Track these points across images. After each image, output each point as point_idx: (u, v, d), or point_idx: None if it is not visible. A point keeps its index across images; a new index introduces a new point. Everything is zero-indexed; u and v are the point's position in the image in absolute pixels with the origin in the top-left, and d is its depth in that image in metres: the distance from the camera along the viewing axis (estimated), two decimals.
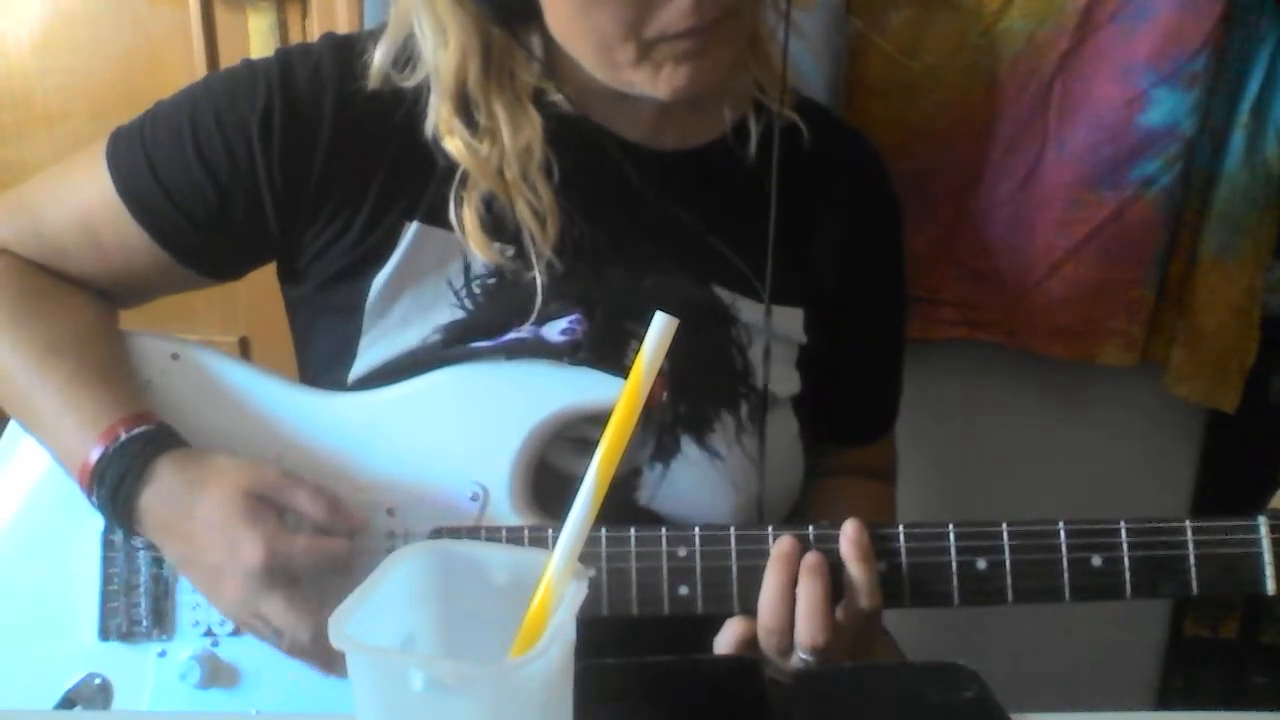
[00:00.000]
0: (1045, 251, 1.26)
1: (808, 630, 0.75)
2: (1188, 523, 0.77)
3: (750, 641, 0.79)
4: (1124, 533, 0.77)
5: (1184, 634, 1.51)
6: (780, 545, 0.77)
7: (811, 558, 0.77)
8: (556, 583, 0.53)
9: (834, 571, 0.77)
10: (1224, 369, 1.29)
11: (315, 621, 0.75)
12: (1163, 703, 1.53)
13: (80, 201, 0.87)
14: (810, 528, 0.78)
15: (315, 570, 0.76)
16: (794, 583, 0.77)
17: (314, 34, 1.40)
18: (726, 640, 0.80)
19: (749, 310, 0.89)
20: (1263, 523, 0.77)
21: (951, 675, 0.71)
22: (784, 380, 0.90)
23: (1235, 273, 1.26)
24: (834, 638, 0.76)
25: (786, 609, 0.76)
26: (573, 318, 0.86)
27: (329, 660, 0.77)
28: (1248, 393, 1.30)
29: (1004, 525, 0.78)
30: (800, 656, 0.77)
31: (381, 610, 0.53)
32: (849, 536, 0.77)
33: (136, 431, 0.79)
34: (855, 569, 0.77)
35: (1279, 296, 1.31)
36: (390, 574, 0.54)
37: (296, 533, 0.76)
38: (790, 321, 0.91)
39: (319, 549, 0.76)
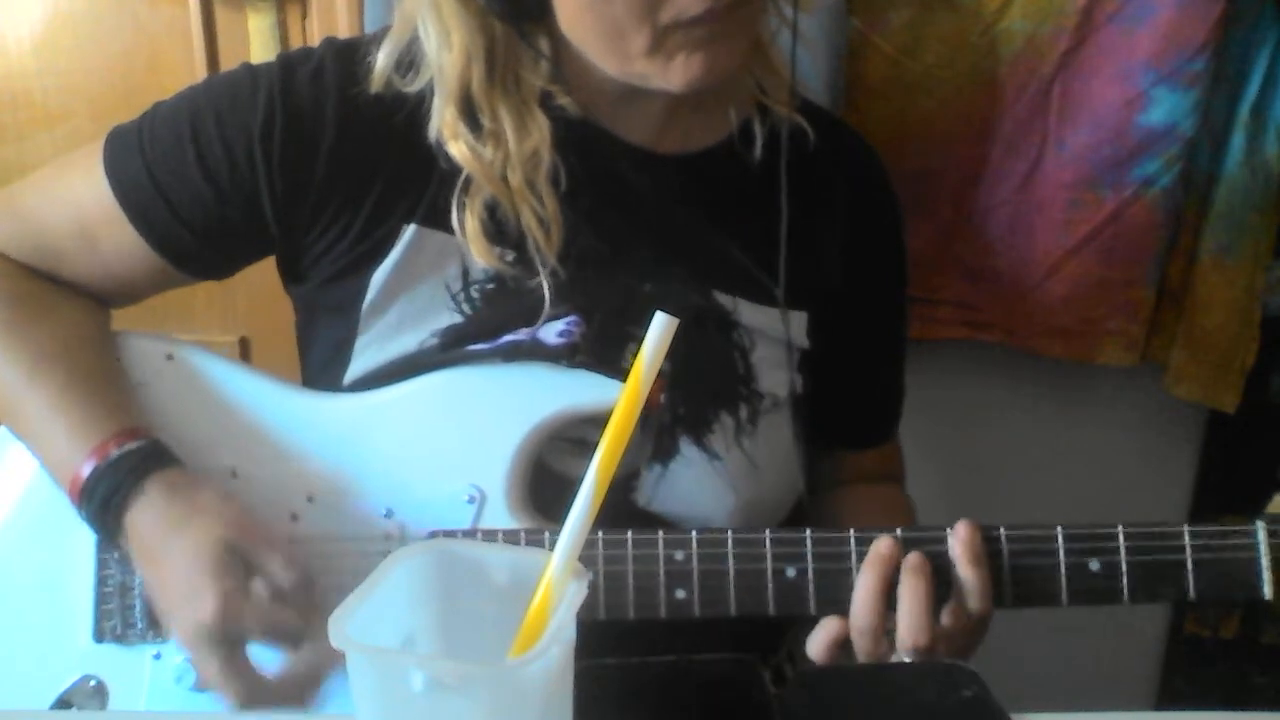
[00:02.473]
0: (1045, 251, 1.26)
1: (911, 631, 0.75)
2: (1185, 528, 0.77)
3: (844, 642, 0.79)
4: (1122, 538, 0.77)
5: (1184, 634, 1.51)
6: (879, 546, 0.77)
7: (915, 558, 0.77)
8: (556, 583, 0.53)
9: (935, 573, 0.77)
10: (1224, 369, 1.29)
11: (244, 688, 0.74)
12: (1163, 703, 1.53)
13: (76, 206, 0.87)
14: (899, 530, 0.78)
15: (262, 639, 0.75)
16: (890, 584, 0.77)
17: (314, 35, 1.40)
18: (820, 640, 0.80)
19: (750, 313, 0.89)
20: (1260, 528, 0.77)
21: (951, 675, 0.71)
22: (784, 383, 0.90)
23: (1235, 273, 1.26)
24: (937, 640, 0.76)
25: (880, 610, 0.76)
26: (570, 320, 0.85)
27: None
28: (1248, 393, 1.31)
29: (1002, 530, 0.78)
30: (901, 658, 0.76)
31: (381, 610, 0.53)
32: (961, 538, 0.77)
33: (129, 448, 0.79)
34: (967, 571, 0.76)
35: (1279, 297, 1.31)
36: (390, 574, 0.54)
37: (258, 596, 0.75)
38: (794, 325, 0.91)
39: (271, 620, 0.75)
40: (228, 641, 0.74)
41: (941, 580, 0.77)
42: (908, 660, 0.76)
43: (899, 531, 0.78)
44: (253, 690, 0.75)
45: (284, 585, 0.76)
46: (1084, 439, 1.41)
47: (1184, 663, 1.51)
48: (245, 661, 0.75)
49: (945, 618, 0.77)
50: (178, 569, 0.75)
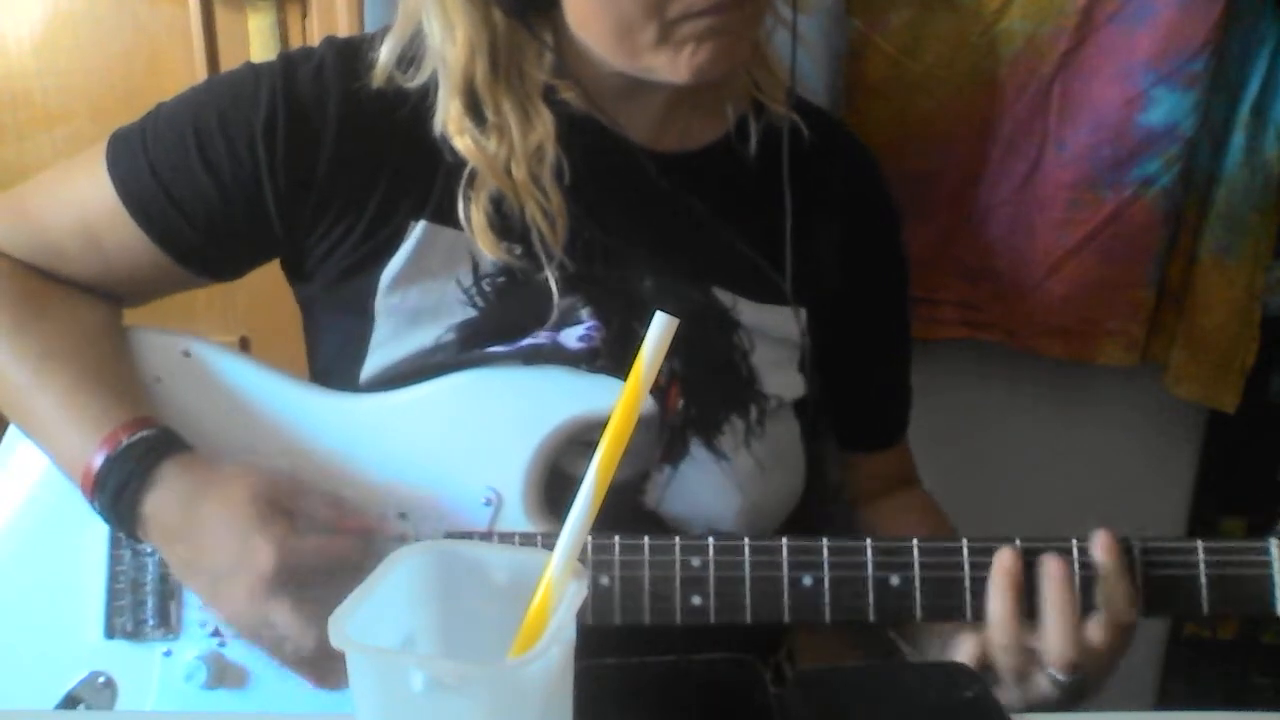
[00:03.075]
0: (1045, 251, 1.26)
1: (1061, 645, 0.74)
2: (1199, 543, 0.77)
3: (986, 659, 0.78)
4: (1136, 552, 0.77)
5: (1184, 634, 1.51)
6: (1003, 560, 0.76)
7: (1056, 568, 0.75)
8: (556, 583, 0.53)
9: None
10: (1224, 369, 1.29)
11: (320, 629, 0.73)
12: (1163, 703, 1.53)
13: (80, 205, 0.87)
14: (1017, 540, 0.77)
15: (327, 573, 0.74)
16: (1021, 596, 0.76)
17: (314, 34, 1.40)
18: (962, 658, 0.79)
19: (749, 312, 0.89)
20: (1273, 544, 0.77)
21: (951, 675, 0.71)
22: (787, 385, 0.90)
23: (1235, 273, 1.26)
24: (1089, 652, 0.75)
25: (1017, 624, 0.75)
26: (590, 325, 0.86)
27: (327, 671, 0.76)
28: (1248, 393, 1.31)
29: (1017, 540, 0.77)
30: (1051, 674, 0.75)
31: (381, 610, 0.53)
32: (1105, 547, 0.76)
33: (138, 436, 0.78)
34: (1115, 578, 0.75)
35: (1279, 297, 1.31)
36: (390, 574, 0.54)
37: (309, 534, 0.75)
38: (791, 322, 0.91)
39: (331, 551, 0.74)
40: (292, 585, 0.73)
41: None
42: (1059, 677, 0.75)
43: (1018, 542, 0.77)
44: (323, 634, 0.74)
45: (330, 517, 0.76)
46: (1084, 439, 1.41)
47: (1184, 663, 1.51)
48: (311, 603, 0.73)
49: (1094, 630, 0.76)
50: (217, 536, 0.75)
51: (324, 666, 0.75)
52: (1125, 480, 1.40)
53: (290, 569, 0.73)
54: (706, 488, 0.86)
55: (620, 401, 0.53)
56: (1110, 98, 1.20)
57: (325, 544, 0.75)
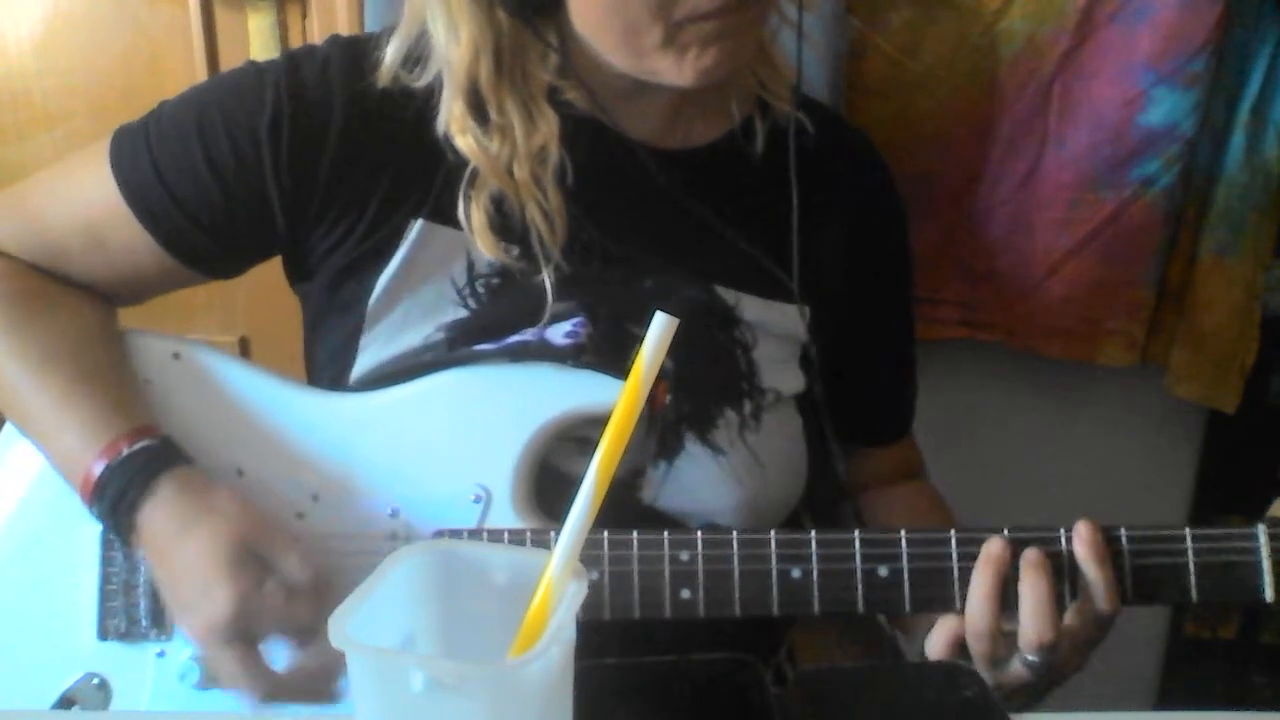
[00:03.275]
0: (1045, 251, 1.26)
1: (1036, 628, 0.75)
2: (1187, 530, 0.77)
3: (962, 642, 0.78)
4: (1124, 540, 0.77)
5: (1184, 634, 1.51)
6: (990, 547, 0.77)
7: (1034, 555, 0.76)
8: (556, 583, 0.53)
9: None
10: (1224, 369, 1.29)
11: (260, 684, 0.74)
12: (1163, 703, 1.53)
13: (82, 203, 0.87)
14: (1006, 530, 0.77)
15: (276, 636, 0.75)
16: (1004, 584, 0.76)
17: (314, 34, 1.40)
18: (938, 641, 0.79)
19: (752, 308, 0.89)
20: (1262, 531, 0.77)
21: (951, 675, 0.71)
22: (787, 380, 0.90)
23: (1235, 273, 1.26)
24: (1061, 637, 0.76)
25: (995, 611, 0.76)
26: (577, 321, 0.86)
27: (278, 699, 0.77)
28: (1248, 393, 1.31)
29: (1005, 530, 0.78)
30: (1026, 658, 0.76)
31: (381, 610, 0.53)
32: (1084, 538, 0.76)
33: (140, 446, 0.79)
34: (1093, 570, 0.76)
35: (1279, 296, 1.31)
36: (390, 574, 0.54)
37: (273, 594, 0.75)
38: (794, 319, 0.91)
39: (285, 618, 0.75)
40: (242, 639, 0.74)
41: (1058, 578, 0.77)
42: (1032, 659, 0.75)
43: (1007, 531, 0.77)
44: (268, 686, 0.75)
45: (299, 582, 0.76)
46: (1084, 439, 1.41)
47: (1184, 663, 1.51)
48: (259, 658, 0.75)
49: (1070, 617, 0.77)
50: (191, 567, 0.75)
51: (271, 699, 0.76)
52: (1125, 480, 1.40)
53: (243, 623, 0.74)
54: (703, 482, 0.86)
55: (620, 401, 0.53)
56: (1110, 98, 1.20)
57: (283, 610, 0.75)
